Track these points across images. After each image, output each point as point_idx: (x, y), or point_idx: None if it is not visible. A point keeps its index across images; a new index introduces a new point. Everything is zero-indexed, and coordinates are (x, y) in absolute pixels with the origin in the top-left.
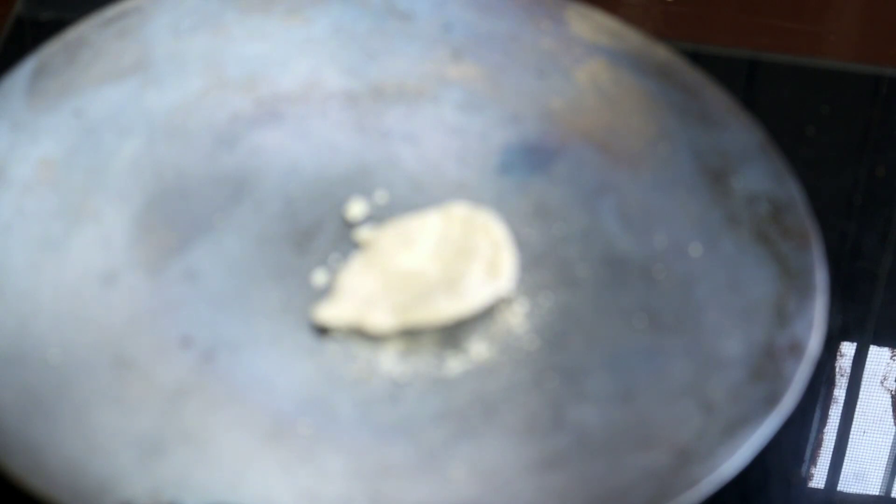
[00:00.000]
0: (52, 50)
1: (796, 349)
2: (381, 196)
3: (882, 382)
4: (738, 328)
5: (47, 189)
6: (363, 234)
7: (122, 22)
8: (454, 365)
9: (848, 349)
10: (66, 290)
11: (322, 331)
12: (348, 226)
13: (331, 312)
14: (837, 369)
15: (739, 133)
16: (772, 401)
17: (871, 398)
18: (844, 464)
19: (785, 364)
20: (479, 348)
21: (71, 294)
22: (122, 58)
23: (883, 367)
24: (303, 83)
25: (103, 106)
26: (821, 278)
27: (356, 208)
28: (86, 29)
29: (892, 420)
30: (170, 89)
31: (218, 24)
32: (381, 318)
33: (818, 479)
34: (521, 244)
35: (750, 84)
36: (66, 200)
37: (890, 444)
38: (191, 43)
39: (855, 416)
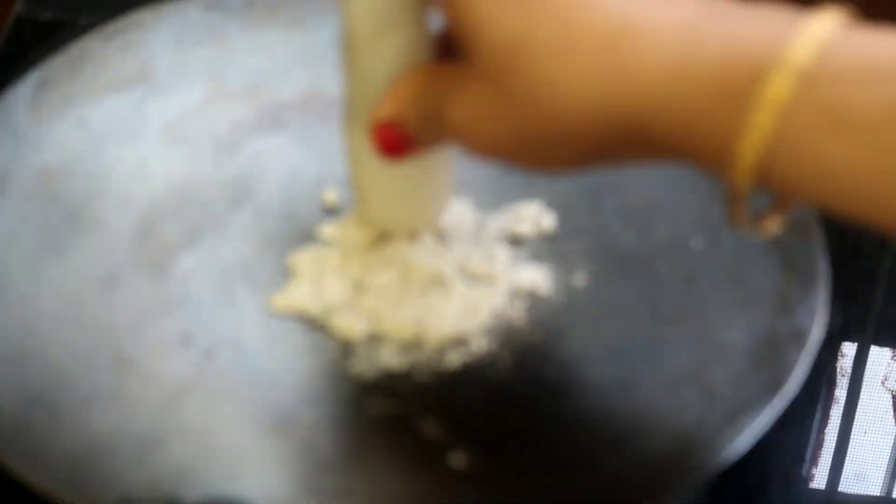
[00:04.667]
0: (55, 63)
1: (798, 337)
2: None
3: (882, 382)
4: (739, 317)
5: (50, 198)
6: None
7: (125, 35)
8: (455, 358)
9: (848, 349)
10: (67, 297)
11: (320, 328)
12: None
13: (284, 300)
14: (838, 369)
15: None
16: (773, 388)
17: (871, 398)
18: (844, 464)
19: (787, 352)
20: (479, 341)
21: (72, 296)
22: (124, 70)
23: (883, 367)
24: (304, 92)
25: (106, 116)
26: (822, 268)
27: (331, 196)
28: (89, 42)
29: (892, 420)
30: (172, 99)
31: (220, 37)
32: (351, 322)
33: (818, 479)
34: (524, 239)
35: None
36: (68, 209)
37: (890, 444)
38: (193, 55)
39: (855, 416)
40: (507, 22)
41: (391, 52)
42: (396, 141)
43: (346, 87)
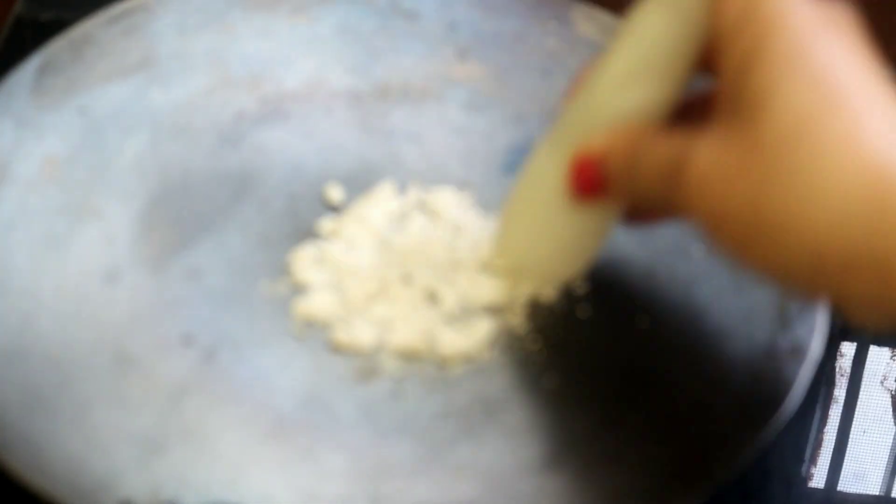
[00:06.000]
0: (57, 47)
1: (797, 351)
2: None
3: (882, 382)
4: (739, 330)
5: (51, 186)
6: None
7: (128, 20)
8: (456, 364)
9: (848, 349)
10: (68, 287)
11: (322, 329)
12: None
13: (304, 308)
14: (837, 369)
15: None
16: (772, 404)
17: (871, 398)
18: (844, 463)
19: (786, 366)
20: (479, 348)
21: (73, 291)
22: (127, 55)
23: (883, 367)
24: (308, 82)
25: (108, 103)
26: None
27: (333, 192)
28: (91, 26)
29: (892, 420)
30: (175, 87)
31: (223, 22)
32: (361, 333)
33: (818, 478)
34: None
35: None
36: (69, 198)
37: (889, 444)
38: (196, 41)
39: (855, 416)
40: (805, 99)
41: (636, 100)
42: (594, 179)
43: (566, 115)
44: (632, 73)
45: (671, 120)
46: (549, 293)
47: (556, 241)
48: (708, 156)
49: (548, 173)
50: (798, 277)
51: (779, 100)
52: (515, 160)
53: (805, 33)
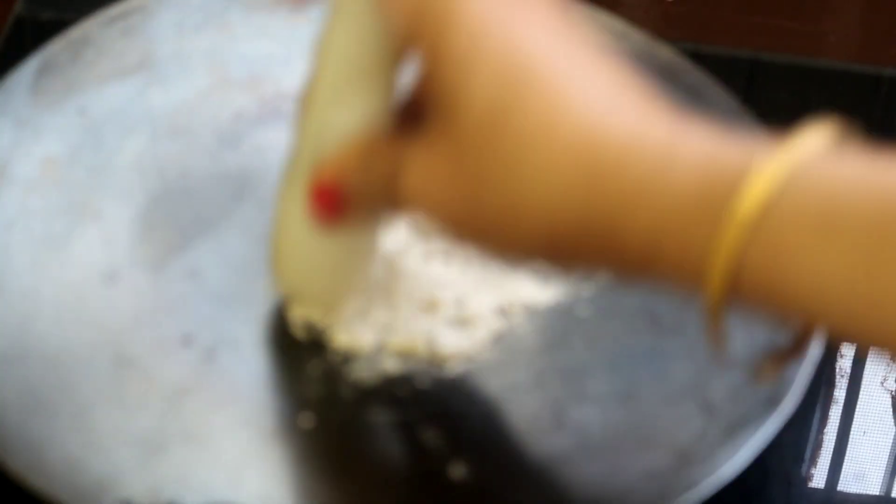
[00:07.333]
0: (56, 48)
1: None
2: None
3: (882, 383)
4: (739, 329)
5: (50, 187)
6: None
7: (127, 20)
8: (456, 365)
9: (848, 350)
10: (67, 288)
11: (322, 331)
12: None
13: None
14: (837, 370)
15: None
16: (772, 402)
17: (871, 398)
18: (844, 464)
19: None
20: (479, 348)
21: (73, 291)
22: (126, 56)
23: (883, 368)
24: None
25: (107, 104)
26: None
27: None
28: (90, 27)
29: (892, 420)
30: (174, 88)
31: (222, 22)
32: (361, 333)
33: (818, 479)
34: None
35: (750, 84)
36: (68, 198)
37: (890, 444)
38: (195, 41)
39: (855, 416)
40: (492, 91)
41: (350, 114)
42: (334, 202)
43: (293, 148)
44: (336, 90)
45: (398, 123)
46: (326, 319)
47: (321, 268)
48: (419, 163)
49: (295, 204)
50: (538, 258)
51: (467, 96)
52: None
53: (483, 19)
